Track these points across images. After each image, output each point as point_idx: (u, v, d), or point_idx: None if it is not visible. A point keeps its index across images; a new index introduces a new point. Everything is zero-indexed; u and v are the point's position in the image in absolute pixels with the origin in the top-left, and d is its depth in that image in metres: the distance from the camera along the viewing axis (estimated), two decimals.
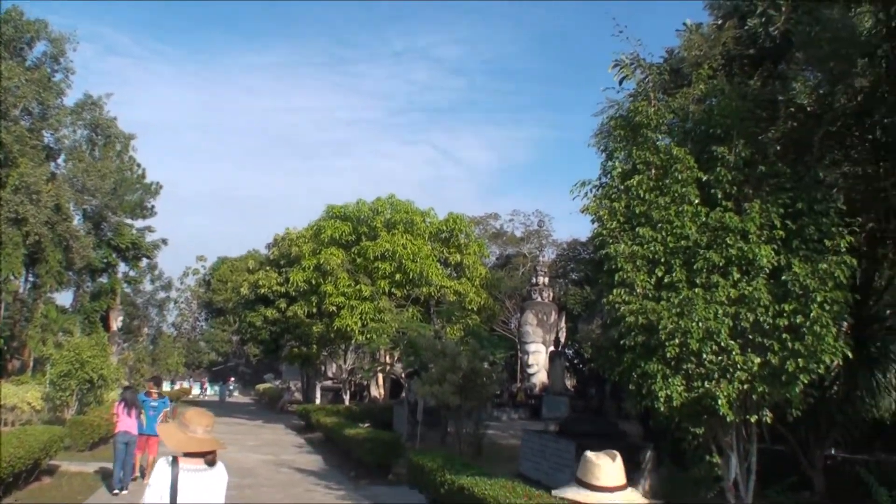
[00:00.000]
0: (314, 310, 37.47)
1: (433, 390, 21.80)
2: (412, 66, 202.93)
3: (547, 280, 48.70)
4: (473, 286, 36.82)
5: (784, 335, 10.36)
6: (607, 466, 3.58)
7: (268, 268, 47.91)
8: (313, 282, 35.89)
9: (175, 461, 5.30)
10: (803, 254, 10.85)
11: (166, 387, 66.44)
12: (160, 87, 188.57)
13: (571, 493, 3.58)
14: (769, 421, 11.25)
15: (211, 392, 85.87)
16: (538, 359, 44.31)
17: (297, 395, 57.16)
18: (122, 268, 55.60)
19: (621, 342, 11.25)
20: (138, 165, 53.41)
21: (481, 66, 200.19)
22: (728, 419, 10.78)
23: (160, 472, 5.26)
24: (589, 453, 3.70)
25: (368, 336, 32.80)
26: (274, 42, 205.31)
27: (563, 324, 47.18)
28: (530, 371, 44.87)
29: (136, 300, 70.41)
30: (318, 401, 47.75)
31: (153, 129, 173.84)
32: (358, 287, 34.12)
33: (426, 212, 38.19)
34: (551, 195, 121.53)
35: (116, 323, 52.44)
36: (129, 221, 53.47)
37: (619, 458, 3.63)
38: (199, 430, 5.41)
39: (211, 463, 5.42)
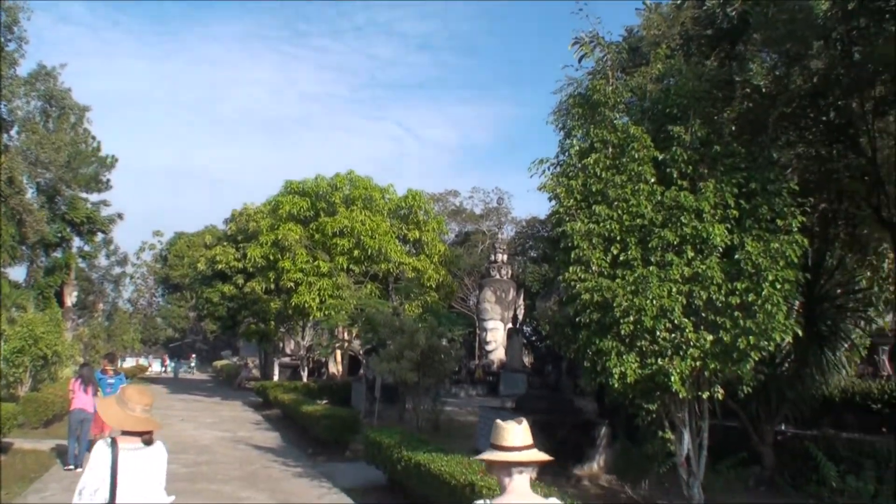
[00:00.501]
0: (272, 286, 37.26)
1: (391, 367, 21.85)
2: (375, 40, 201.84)
3: (505, 257, 48.90)
4: (432, 263, 36.87)
5: (736, 313, 10.51)
6: (514, 430, 4.26)
7: (225, 243, 47.53)
8: (271, 258, 35.66)
9: (114, 442, 5.26)
10: (756, 233, 11.00)
11: (129, 362, 65.86)
12: (117, 58, 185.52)
13: (487, 455, 4.23)
14: (721, 397, 11.42)
15: (193, 365, 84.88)
16: (496, 336, 44.57)
17: (255, 372, 56.95)
18: (76, 242, 54.77)
19: (577, 319, 11.33)
20: (93, 138, 52.55)
21: (446, 42, 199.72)
22: (681, 396, 10.94)
23: (99, 454, 5.22)
24: (499, 420, 4.36)
25: (326, 312, 32.75)
26: (235, 13, 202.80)
27: (521, 301, 47.47)
28: (488, 348, 45.11)
29: (92, 275, 69.53)
30: (276, 377, 47.64)
31: (109, 100, 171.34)
32: (316, 263, 34.00)
33: (385, 188, 38.12)
34: (512, 173, 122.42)
35: (71, 299, 51.75)
36: (83, 195, 52.62)
37: (524, 423, 4.31)
38: (137, 408, 5.35)
39: (148, 442, 5.40)
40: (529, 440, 4.25)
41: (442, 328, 24.01)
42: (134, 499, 5.18)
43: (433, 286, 36.12)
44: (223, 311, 48.34)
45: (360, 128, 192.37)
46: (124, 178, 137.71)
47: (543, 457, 4.22)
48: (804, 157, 15.43)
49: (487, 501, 4.26)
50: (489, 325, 44.88)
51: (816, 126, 14.70)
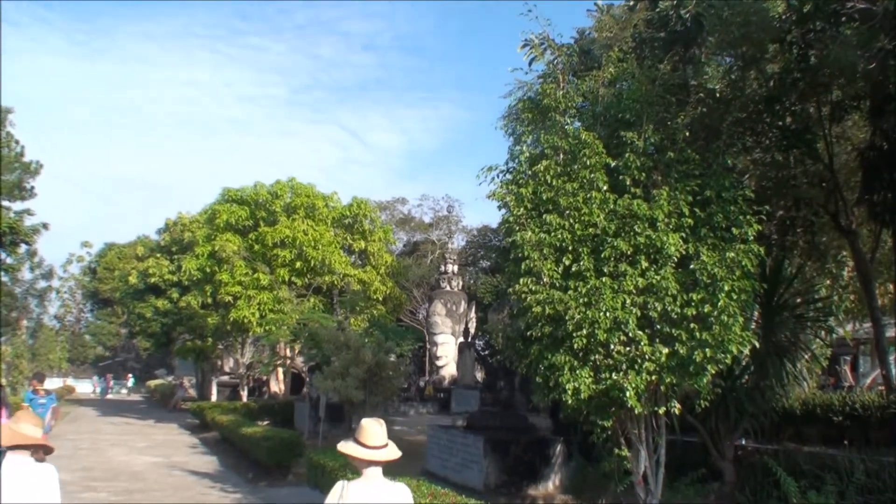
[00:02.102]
0: (209, 300, 36.86)
1: (336, 385, 21.75)
2: (317, 40, 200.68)
3: (456, 268, 49.08)
4: (379, 274, 36.84)
5: (692, 325, 10.67)
6: (376, 430, 5.45)
7: (159, 255, 47.03)
8: (208, 270, 35.33)
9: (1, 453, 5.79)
10: (711, 242, 11.19)
11: (55, 383, 64.48)
12: (43, 58, 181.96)
13: (351, 450, 5.40)
14: (678, 412, 11.57)
15: (117, 390, 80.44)
16: (447, 350, 44.69)
17: (192, 392, 56.32)
18: None
19: (528, 333, 11.41)
20: (17, 142, 51.47)
21: (392, 42, 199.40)
22: (637, 411, 11.06)
23: None
24: (364, 420, 5.59)
25: (267, 328, 32.52)
26: (169, 10, 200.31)
27: (473, 314, 47.64)
28: (439, 363, 45.23)
29: (14, 290, 68.09)
30: (213, 398, 47.16)
31: (34, 102, 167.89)
32: (256, 276, 33.73)
33: (329, 196, 38.00)
34: (463, 180, 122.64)
35: None
36: (5, 204, 51.51)
37: (384, 424, 5.54)
38: (23, 426, 5.94)
39: (39, 460, 5.95)
40: (385, 440, 5.47)
41: (390, 343, 23.97)
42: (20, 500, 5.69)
43: (380, 299, 36.09)
44: (157, 327, 47.75)
45: (301, 132, 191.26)
46: (50, 186, 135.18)
47: (397, 455, 5.51)
48: (760, 164, 15.71)
49: (346, 482, 5.44)
50: (440, 339, 45.01)
51: (772, 131, 14.98)
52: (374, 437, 5.42)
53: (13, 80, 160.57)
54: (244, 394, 42.18)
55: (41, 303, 79.06)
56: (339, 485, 5.43)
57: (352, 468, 6.19)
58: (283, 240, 33.78)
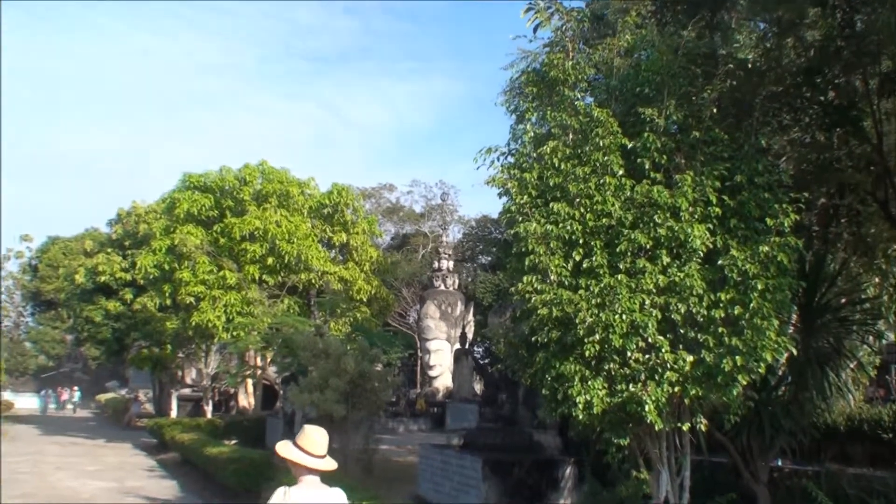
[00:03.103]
0: (168, 302, 36.83)
1: (314, 399, 21.75)
2: (291, 2, 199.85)
3: (452, 264, 49.10)
4: (363, 272, 36.85)
5: (720, 329, 10.70)
6: (319, 438, 6.15)
7: (110, 250, 46.91)
8: (166, 267, 35.29)
9: None
10: (742, 234, 11.22)
11: None
12: None
13: (293, 454, 6.06)
14: (704, 429, 11.63)
15: (77, 401, 79.21)
16: (441, 359, 44.72)
17: (148, 407, 56.28)
18: None
19: (533, 338, 11.44)
20: None
21: (378, 4, 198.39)
22: (657, 428, 11.10)
23: None
24: (307, 426, 6.32)
25: (235, 333, 32.49)
26: None
27: (470, 317, 47.66)
28: (432, 373, 45.27)
29: None
30: (173, 413, 47.10)
31: None
32: (221, 274, 33.70)
33: (305, 182, 37.95)
34: (459, 163, 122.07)
35: None
36: None
37: (326, 434, 6.26)
38: None
39: None
40: (325, 450, 6.18)
41: (375, 350, 23.98)
42: None
43: (364, 300, 36.10)
44: (108, 333, 47.66)
45: (274, 109, 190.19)
46: None
47: (334, 466, 6.22)
48: (799, 144, 15.70)
49: (287, 488, 6.13)
50: (433, 345, 45.04)
51: (813, 107, 14.93)
52: (317, 445, 6.15)
53: None
54: (208, 409, 42.15)
55: None
56: (280, 490, 6.12)
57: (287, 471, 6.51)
58: (252, 232, 33.75)
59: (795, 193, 11.74)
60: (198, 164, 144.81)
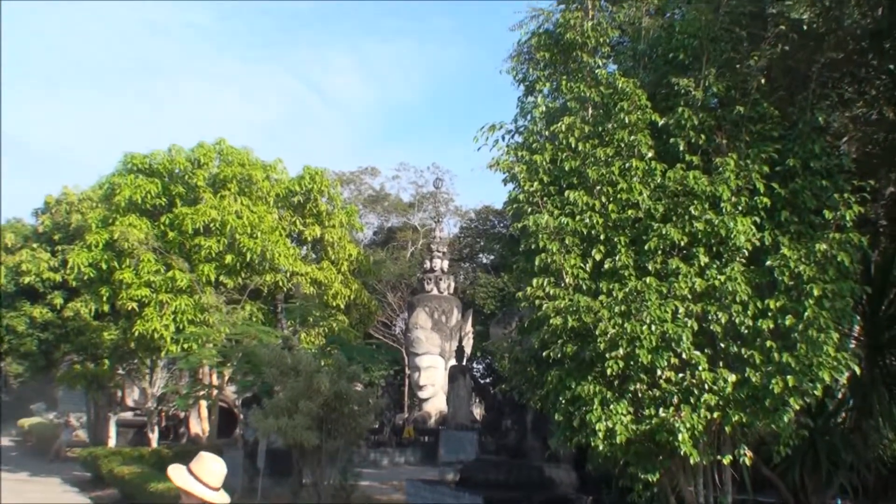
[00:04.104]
0: (105, 308, 36.74)
1: (280, 425, 21.75)
2: None
3: (447, 264, 49.05)
4: (340, 273, 36.80)
5: (768, 343, 10.73)
6: (217, 468, 6.44)
7: (35, 245, 46.78)
8: (104, 266, 35.15)
9: None
10: (795, 229, 11.26)
11: None
12: None
13: (189, 483, 6.33)
14: (748, 462, 11.65)
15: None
16: (433, 377, 44.67)
17: (81, 435, 56.21)
18: None
19: (544, 353, 11.47)
20: None
21: None
22: (692, 460, 11.13)
23: None
24: (204, 452, 6.56)
25: (186, 346, 32.42)
26: None
27: (469, 327, 47.61)
28: (423, 395, 45.21)
29: None
30: (112, 442, 47.04)
31: None
32: (170, 274, 33.60)
33: (271, 165, 37.83)
34: (455, 143, 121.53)
35: None
36: None
37: (224, 467, 6.49)
38: None
39: None
40: (220, 483, 6.46)
41: (355, 367, 23.98)
42: None
43: (342, 306, 36.05)
44: (33, 345, 47.51)
45: (234, 77, 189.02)
46: None
47: (227, 501, 6.47)
48: (863, 122, 15.71)
49: None
50: (423, 361, 44.97)
51: (880, 78, 14.95)
52: (215, 476, 6.45)
53: None
54: (154, 436, 42.12)
55: None
56: None
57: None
58: (207, 225, 33.62)
59: (859, 181, 11.75)
60: (143, 144, 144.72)
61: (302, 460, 23.26)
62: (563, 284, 11.40)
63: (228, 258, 33.84)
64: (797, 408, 10.90)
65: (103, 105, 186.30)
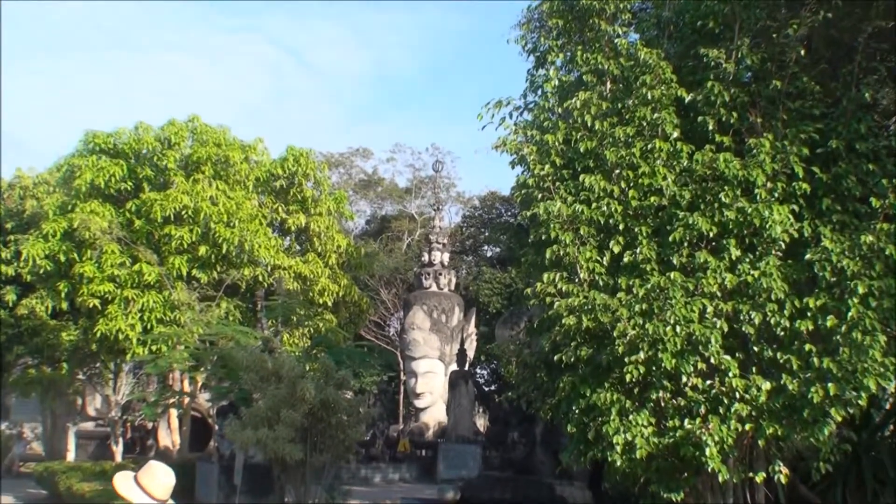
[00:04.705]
0: (64, 305, 36.74)
1: (260, 436, 21.76)
2: None
3: (447, 258, 49.03)
4: (327, 266, 36.79)
5: (807, 347, 10.73)
6: (165, 480, 6.69)
7: None
8: (62, 258, 35.15)
9: None
10: (838, 219, 11.25)
11: None
12: None
13: (135, 495, 6.66)
14: (784, 480, 11.66)
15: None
16: (432, 384, 44.66)
17: (37, 447, 56.27)
18: None
19: (556, 357, 11.48)
20: None
21: None
22: (721, 478, 11.15)
23: None
24: (153, 461, 6.86)
25: (154, 348, 32.42)
26: None
27: (472, 328, 47.61)
28: (420, 404, 45.21)
29: None
30: (71, 455, 47.06)
31: None
32: (136, 268, 33.55)
33: (251, 146, 37.74)
34: (457, 122, 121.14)
35: None
36: None
37: (173, 478, 6.72)
38: None
39: None
40: (168, 495, 6.74)
41: (344, 372, 23.99)
42: None
43: (329, 303, 36.05)
44: None
45: (210, 48, 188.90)
46: None
47: None
48: None
49: None
50: (421, 365, 44.94)
51: None
52: (163, 488, 6.71)
53: None
54: (118, 449, 42.14)
55: None
56: None
57: None
58: (179, 212, 33.56)
59: None
60: (105, 120, 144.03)
61: (284, 476, 23.27)
62: (577, 280, 11.42)
63: (202, 250, 33.76)
64: (839, 419, 10.89)
65: (62, 79, 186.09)
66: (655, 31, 12.86)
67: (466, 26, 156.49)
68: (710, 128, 11.65)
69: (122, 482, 6.69)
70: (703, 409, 10.86)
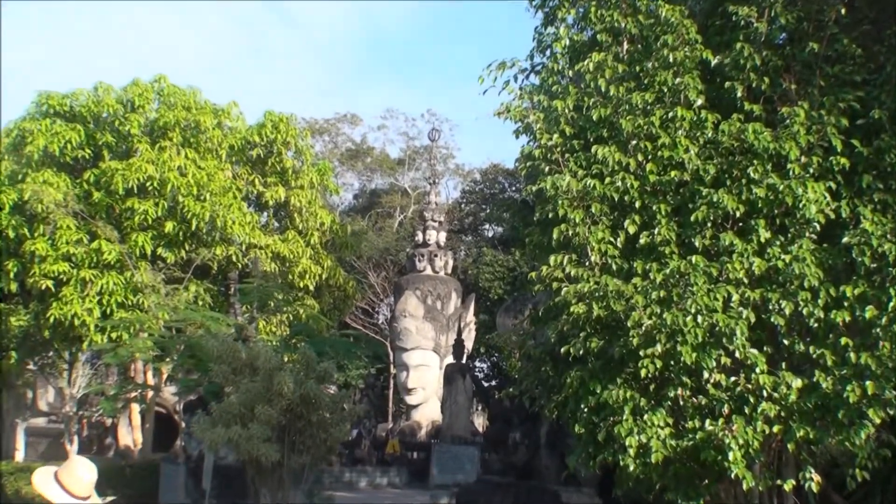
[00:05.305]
0: (13, 287, 36.76)
1: (232, 435, 21.76)
2: None
3: (444, 237, 49.03)
4: (309, 246, 36.78)
5: (843, 340, 10.77)
6: (85, 474, 6.92)
7: None
8: (11, 234, 35.17)
9: None
10: (879, 199, 11.28)
11: None
12: None
13: (52, 492, 6.76)
14: (816, 489, 11.71)
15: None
16: (425, 378, 44.72)
17: None
18: None
19: (563, 349, 11.51)
20: None
21: None
22: (746, 485, 11.20)
23: None
24: (76, 457, 7.18)
25: (115, 335, 32.41)
26: None
27: (470, 316, 47.64)
28: (411, 400, 45.28)
29: None
30: (19, 454, 47.16)
31: None
32: (95, 245, 33.57)
33: (224, 110, 37.72)
34: (455, 85, 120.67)
35: None
36: None
37: (95, 474, 6.96)
38: None
39: None
40: (91, 491, 7.00)
41: (326, 364, 24.02)
42: None
43: (311, 287, 36.04)
44: None
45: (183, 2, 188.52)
46: None
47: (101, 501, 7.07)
48: None
49: None
50: (413, 357, 45.00)
51: None
52: (82, 484, 6.90)
53: None
54: (73, 448, 42.19)
55: None
56: None
57: None
58: (143, 183, 33.55)
59: None
60: (61, 80, 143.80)
61: (258, 480, 23.31)
62: (587, 263, 11.46)
63: (169, 226, 33.76)
64: (878, 421, 10.92)
65: (10, 35, 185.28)
66: None
67: None
68: (739, 95, 11.68)
69: (42, 480, 6.78)
70: (726, 409, 10.90)
